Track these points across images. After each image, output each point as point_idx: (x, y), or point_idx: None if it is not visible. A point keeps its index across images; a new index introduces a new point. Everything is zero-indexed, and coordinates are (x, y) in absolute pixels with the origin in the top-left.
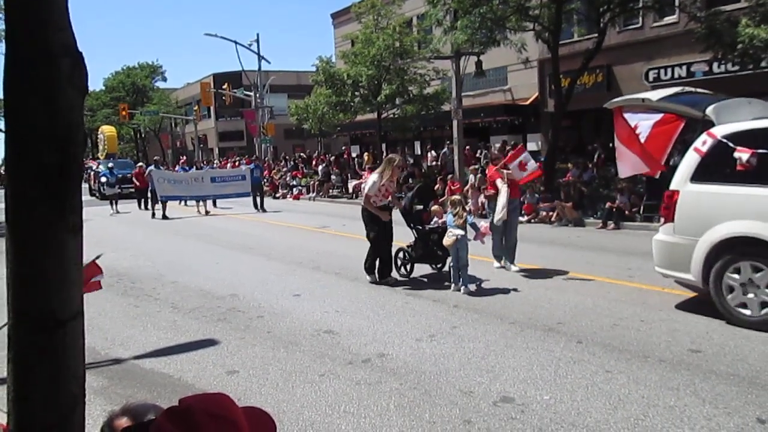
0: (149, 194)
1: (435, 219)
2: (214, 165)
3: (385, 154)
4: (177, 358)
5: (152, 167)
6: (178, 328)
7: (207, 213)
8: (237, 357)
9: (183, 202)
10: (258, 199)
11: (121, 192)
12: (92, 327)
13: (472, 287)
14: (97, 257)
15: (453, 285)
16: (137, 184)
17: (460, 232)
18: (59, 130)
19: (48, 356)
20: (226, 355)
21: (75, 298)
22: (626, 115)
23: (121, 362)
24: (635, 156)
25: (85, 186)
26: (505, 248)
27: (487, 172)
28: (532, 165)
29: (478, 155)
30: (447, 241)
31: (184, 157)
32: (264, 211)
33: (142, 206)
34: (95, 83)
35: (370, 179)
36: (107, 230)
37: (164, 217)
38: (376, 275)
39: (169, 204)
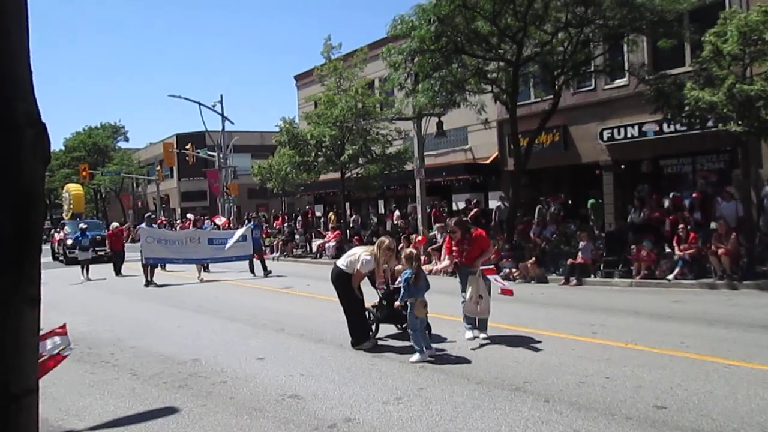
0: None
1: (399, 278)
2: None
3: (349, 213)
4: (135, 428)
5: (143, 225)
6: (137, 396)
7: (201, 280)
8: (198, 425)
9: (162, 266)
10: (258, 262)
11: (96, 255)
12: (45, 396)
13: (435, 348)
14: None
15: (419, 354)
16: (111, 246)
17: (424, 299)
18: (20, 200)
19: None
20: (187, 423)
21: (30, 372)
22: None
23: None
24: None
25: (47, 248)
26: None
27: (445, 244)
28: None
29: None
30: (421, 311)
31: (163, 218)
32: (268, 274)
33: (121, 272)
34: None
35: (362, 256)
36: (68, 294)
37: (148, 283)
38: (369, 339)
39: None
